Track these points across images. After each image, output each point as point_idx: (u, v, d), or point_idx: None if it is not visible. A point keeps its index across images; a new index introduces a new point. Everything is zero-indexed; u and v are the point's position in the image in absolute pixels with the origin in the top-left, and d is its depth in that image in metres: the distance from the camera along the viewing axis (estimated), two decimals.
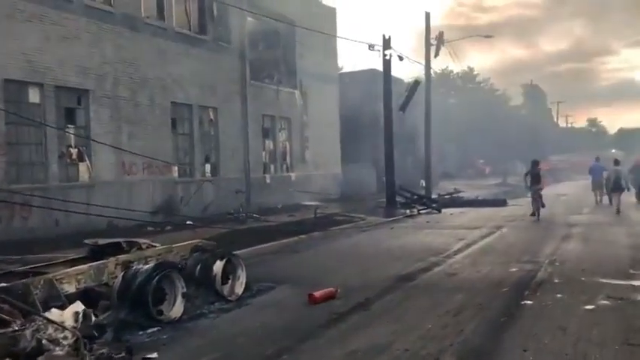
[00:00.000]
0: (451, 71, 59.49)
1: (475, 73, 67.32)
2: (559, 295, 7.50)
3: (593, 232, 14.58)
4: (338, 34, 27.18)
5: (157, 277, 6.72)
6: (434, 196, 27.15)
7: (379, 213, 21.06)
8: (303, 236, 14.57)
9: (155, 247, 7.96)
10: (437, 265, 10.21)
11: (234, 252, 8.69)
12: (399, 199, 23.20)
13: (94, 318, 6.17)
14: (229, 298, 7.80)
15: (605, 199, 21.27)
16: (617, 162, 20.79)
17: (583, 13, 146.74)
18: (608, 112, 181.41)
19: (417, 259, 10.82)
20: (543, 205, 17.64)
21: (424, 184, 29.36)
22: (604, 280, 8.33)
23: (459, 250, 11.93)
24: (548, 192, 27.14)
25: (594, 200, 23.12)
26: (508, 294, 7.79)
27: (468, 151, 55.03)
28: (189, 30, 19.74)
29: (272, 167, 24.12)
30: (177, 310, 6.93)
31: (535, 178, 17.62)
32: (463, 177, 47.15)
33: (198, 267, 7.78)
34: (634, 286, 7.98)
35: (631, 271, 9.02)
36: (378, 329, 6.31)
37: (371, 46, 21.81)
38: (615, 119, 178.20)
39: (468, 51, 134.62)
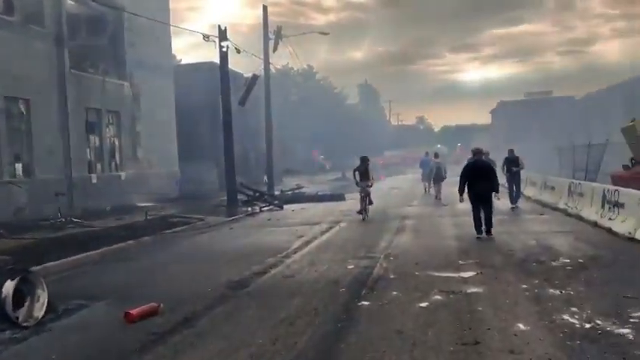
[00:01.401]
0: (291, 68, 59.93)
1: (315, 71, 68.85)
2: (395, 293, 7.32)
3: (423, 223, 15.15)
4: (172, 23, 25.57)
5: None
6: (276, 192, 26.95)
7: (220, 212, 20.16)
8: (131, 242, 13.17)
9: None
10: (274, 267, 9.67)
11: (33, 268, 7.34)
12: (240, 196, 22.51)
13: None
14: (24, 324, 6.50)
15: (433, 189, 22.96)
16: (437, 155, 23.70)
17: (411, 19, 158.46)
18: (433, 110, 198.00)
19: (255, 261, 10.19)
20: (371, 203, 17.38)
21: (267, 181, 29.03)
22: (436, 274, 8.38)
23: (298, 249, 11.56)
24: (381, 186, 28.52)
25: (423, 191, 25.41)
26: (345, 294, 7.45)
27: (310, 147, 56.10)
28: None
29: (99, 166, 21.90)
30: None
31: (364, 174, 17.53)
32: (306, 172, 47.81)
33: None
34: (463, 277, 8.11)
35: (460, 262, 9.24)
36: (203, 350, 5.52)
37: (206, 37, 20.72)
38: (440, 117, 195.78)
39: (307, 49, 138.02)
